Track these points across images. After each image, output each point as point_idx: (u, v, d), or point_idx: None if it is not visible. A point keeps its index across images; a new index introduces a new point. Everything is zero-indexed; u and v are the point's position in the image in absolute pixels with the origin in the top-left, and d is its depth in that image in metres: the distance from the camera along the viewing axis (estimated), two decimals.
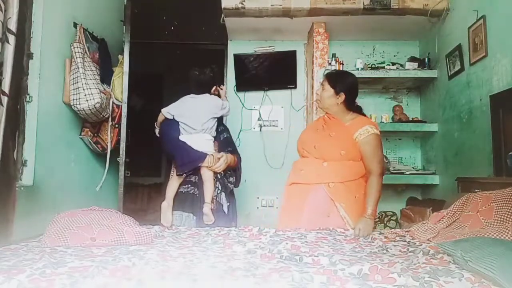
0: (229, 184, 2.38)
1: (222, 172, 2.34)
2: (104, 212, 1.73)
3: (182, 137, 2.33)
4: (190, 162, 2.27)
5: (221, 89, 2.55)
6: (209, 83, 2.46)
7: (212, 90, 2.48)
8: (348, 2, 3.25)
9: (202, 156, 2.27)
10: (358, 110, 2.25)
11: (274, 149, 3.93)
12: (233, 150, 2.49)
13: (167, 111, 2.41)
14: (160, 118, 2.47)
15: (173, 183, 2.32)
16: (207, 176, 2.28)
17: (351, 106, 2.21)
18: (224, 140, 2.48)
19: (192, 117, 2.34)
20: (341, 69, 3.53)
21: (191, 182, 2.33)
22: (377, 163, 2.08)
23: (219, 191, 2.34)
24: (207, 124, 2.35)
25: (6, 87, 2.08)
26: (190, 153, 2.28)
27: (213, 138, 2.40)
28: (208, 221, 2.23)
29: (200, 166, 2.27)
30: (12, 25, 2.10)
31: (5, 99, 2.07)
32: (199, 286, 1.07)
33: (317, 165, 2.13)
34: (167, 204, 2.27)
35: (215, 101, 2.43)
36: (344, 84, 2.19)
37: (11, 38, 2.09)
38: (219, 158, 2.30)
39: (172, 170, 2.39)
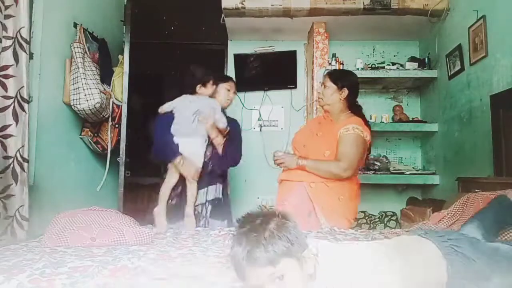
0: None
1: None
2: (104, 212, 1.72)
3: (176, 138, 2.23)
4: (162, 153, 2.24)
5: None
6: (192, 82, 2.33)
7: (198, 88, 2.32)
8: (348, 2, 3.25)
9: (174, 153, 2.17)
10: (358, 110, 2.24)
11: (274, 149, 3.88)
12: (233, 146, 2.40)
13: (169, 104, 2.32)
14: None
15: (166, 185, 2.23)
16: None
17: (352, 104, 2.21)
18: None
19: (183, 119, 2.24)
20: (341, 69, 3.54)
21: (176, 194, 2.26)
22: (347, 160, 2.02)
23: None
24: (196, 127, 2.22)
25: (25, 93, 2.14)
26: (166, 146, 2.20)
27: (205, 144, 2.27)
28: (189, 223, 2.11)
29: (171, 162, 2.19)
30: (25, 33, 2.15)
31: (26, 106, 2.14)
32: (198, 286, 1.07)
33: None
34: (158, 210, 2.14)
35: (202, 102, 2.28)
36: (346, 80, 2.20)
37: (26, 47, 2.15)
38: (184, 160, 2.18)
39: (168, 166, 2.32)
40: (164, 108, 2.33)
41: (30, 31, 2.39)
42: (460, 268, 1.06)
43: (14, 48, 2.11)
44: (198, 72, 2.34)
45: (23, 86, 2.13)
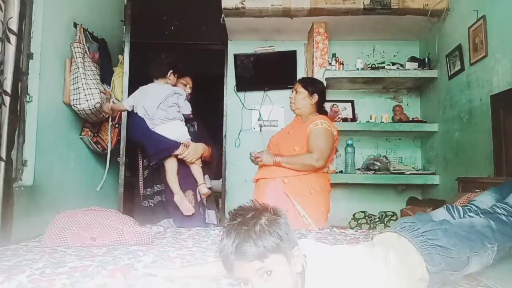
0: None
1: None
2: (104, 212, 1.72)
3: (156, 128, 2.30)
4: (163, 151, 2.27)
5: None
6: (163, 67, 2.40)
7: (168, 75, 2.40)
8: (348, 2, 3.25)
9: (175, 145, 2.27)
10: (325, 113, 2.45)
11: None
12: (205, 142, 2.47)
13: (126, 101, 2.43)
14: (117, 107, 2.52)
15: (173, 174, 2.28)
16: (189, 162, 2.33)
17: (320, 109, 2.40)
18: (192, 133, 2.44)
19: (153, 106, 2.30)
20: (341, 69, 3.55)
21: (158, 191, 2.34)
22: (318, 151, 2.18)
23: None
24: (170, 111, 2.30)
25: (8, 87, 2.08)
26: (163, 142, 2.27)
27: (183, 123, 2.38)
28: (204, 197, 2.29)
29: (172, 155, 2.27)
30: (13, 25, 2.10)
31: (7, 99, 2.08)
32: (198, 286, 1.07)
33: None
34: (178, 198, 2.25)
35: (167, 89, 2.37)
36: (316, 87, 2.41)
37: (12, 38, 2.10)
38: (187, 146, 2.29)
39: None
40: (130, 102, 2.40)
41: (30, 30, 2.40)
42: (438, 261, 1.07)
43: (3, 40, 2.07)
44: (158, 63, 2.42)
45: (6, 78, 2.07)
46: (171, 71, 2.38)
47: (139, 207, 2.40)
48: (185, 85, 2.50)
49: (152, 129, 2.30)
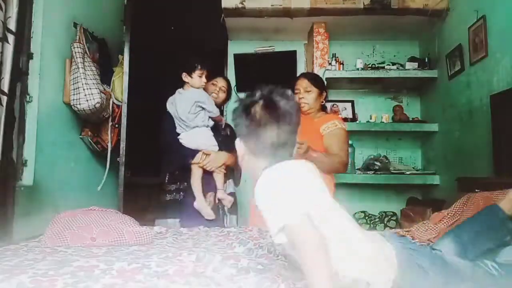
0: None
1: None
2: (104, 212, 1.72)
3: (181, 135, 2.29)
4: (179, 160, 2.27)
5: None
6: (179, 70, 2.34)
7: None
8: (348, 2, 3.25)
9: (191, 154, 2.25)
10: (326, 109, 2.41)
11: None
12: (233, 149, 2.45)
13: (167, 104, 2.39)
14: None
15: (195, 179, 2.27)
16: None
17: (323, 105, 2.35)
18: (224, 138, 2.43)
19: (180, 113, 2.27)
20: (341, 69, 3.54)
21: (178, 189, 2.32)
22: (346, 156, 2.16)
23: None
24: (195, 119, 2.26)
25: (5, 86, 2.08)
26: (178, 152, 2.26)
27: (209, 129, 2.33)
28: (227, 204, 2.29)
29: (190, 163, 2.25)
30: (12, 25, 2.11)
31: (4, 99, 2.08)
32: (199, 286, 1.08)
33: None
34: (198, 205, 2.22)
35: (197, 93, 2.29)
36: (323, 83, 2.35)
37: (11, 38, 2.10)
38: (207, 155, 2.26)
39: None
40: (167, 107, 2.39)
41: (30, 30, 2.40)
42: (407, 259, 1.06)
43: (2, 40, 2.07)
44: (190, 59, 2.32)
45: (3, 78, 2.07)
46: (184, 73, 2.28)
47: (161, 200, 2.39)
48: (214, 85, 2.43)
49: (179, 134, 2.29)
